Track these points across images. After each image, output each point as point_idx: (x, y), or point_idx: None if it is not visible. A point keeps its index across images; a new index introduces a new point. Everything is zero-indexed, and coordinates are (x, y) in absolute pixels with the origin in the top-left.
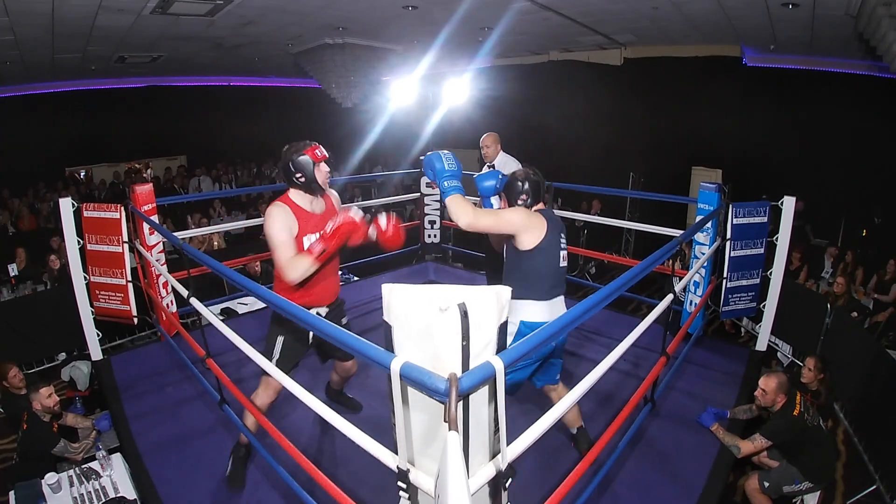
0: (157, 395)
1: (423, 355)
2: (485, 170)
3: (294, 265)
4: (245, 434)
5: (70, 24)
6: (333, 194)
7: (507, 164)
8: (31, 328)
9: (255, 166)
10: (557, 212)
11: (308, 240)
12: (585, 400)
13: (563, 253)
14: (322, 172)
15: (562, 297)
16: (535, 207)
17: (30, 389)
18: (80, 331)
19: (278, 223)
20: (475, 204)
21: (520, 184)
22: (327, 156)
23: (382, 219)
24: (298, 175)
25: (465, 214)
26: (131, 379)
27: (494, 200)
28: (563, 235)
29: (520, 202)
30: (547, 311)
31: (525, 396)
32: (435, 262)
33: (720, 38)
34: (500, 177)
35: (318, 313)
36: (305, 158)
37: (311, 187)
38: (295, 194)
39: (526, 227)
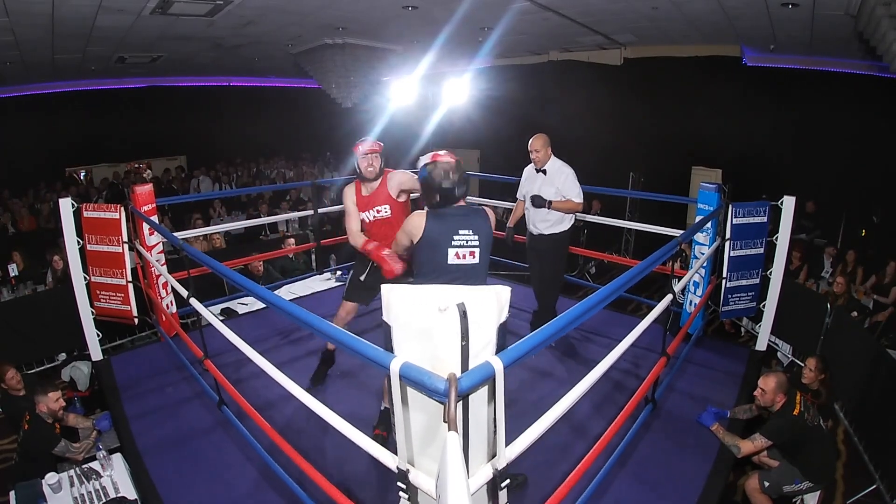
0: (158, 396)
1: (422, 355)
2: (526, 172)
3: (353, 238)
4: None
5: (70, 25)
6: (394, 178)
7: (560, 170)
8: (31, 328)
9: (255, 166)
10: None
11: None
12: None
13: (463, 251)
14: (363, 163)
15: None
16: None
17: (30, 390)
18: (81, 331)
19: (349, 198)
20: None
21: (433, 185)
22: (371, 149)
23: (395, 263)
24: (354, 167)
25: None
26: (131, 379)
27: None
28: (470, 232)
29: (435, 202)
30: None
31: (523, 397)
32: None
33: (720, 38)
34: None
35: None
36: (354, 153)
37: (358, 175)
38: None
39: (411, 231)
